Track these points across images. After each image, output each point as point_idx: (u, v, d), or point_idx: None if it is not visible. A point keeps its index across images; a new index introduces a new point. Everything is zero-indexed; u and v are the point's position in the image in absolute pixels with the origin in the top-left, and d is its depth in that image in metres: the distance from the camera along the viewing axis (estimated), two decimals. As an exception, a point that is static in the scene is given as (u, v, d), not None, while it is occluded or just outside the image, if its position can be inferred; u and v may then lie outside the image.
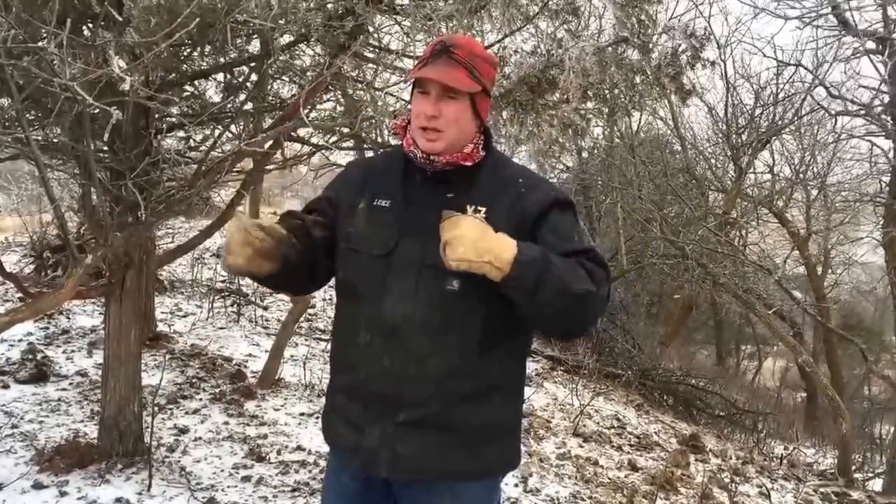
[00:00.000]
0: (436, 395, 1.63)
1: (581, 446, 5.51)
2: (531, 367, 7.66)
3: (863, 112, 6.99)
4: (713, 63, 4.23)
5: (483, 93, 1.68)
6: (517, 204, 1.65)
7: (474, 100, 1.67)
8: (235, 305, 7.50)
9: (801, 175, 11.34)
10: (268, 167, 4.39)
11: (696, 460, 5.90)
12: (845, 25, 6.30)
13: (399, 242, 1.65)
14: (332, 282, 1.82)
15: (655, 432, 6.71)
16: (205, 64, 3.61)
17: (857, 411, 12.26)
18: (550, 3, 3.54)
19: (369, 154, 3.93)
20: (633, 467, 5.26)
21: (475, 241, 1.47)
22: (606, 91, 3.86)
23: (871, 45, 6.49)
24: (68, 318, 6.00)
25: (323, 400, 2.57)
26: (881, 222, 8.02)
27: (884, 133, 7.13)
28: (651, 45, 3.84)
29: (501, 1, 3.10)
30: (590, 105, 4.04)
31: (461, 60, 1.63)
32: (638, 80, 4.14)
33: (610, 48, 3.85)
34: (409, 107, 3.46)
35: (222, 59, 3.52)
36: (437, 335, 1.62)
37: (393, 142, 3.55)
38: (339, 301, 1.79)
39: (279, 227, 1.61)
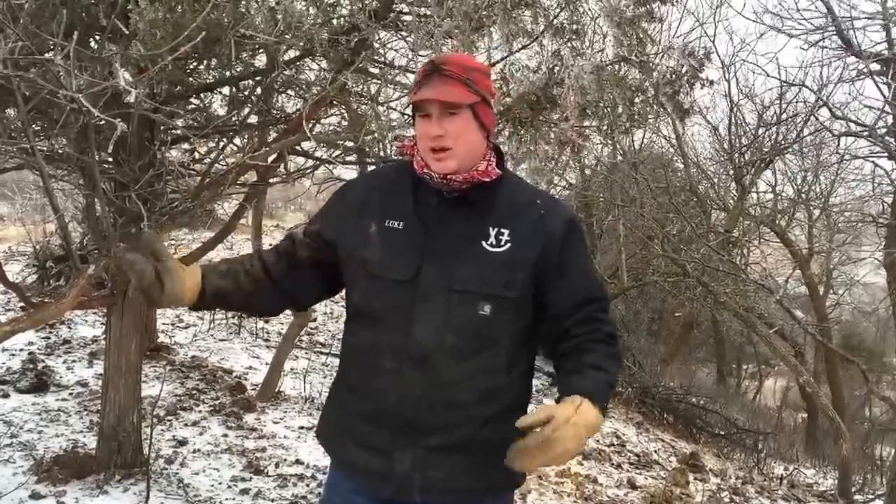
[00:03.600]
0: (466, 420, 1.63)
1: (580, 464, 5.49)
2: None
3: (866, 133, 6.99)
4: (712, 83, 4.25)
5: (483, 102, 1.66)
6: (540, 224, 1.66)
7: (476, 111, 1.65)
8: (236, 317, 7.50)
9: (804, 195, 11.35)
10: (271, 180, 4.41)
11: (696, 479, 5.87)
12: (849, 46, 6.33)
13: (422, 267, 1.62)
14: (331, 297, 1.81)
15: (655, 451, 6.69)
16: (210, 77, 3.64)
17: (858, 432, 12.19)
18: (555, 21, 3.57)
19: (370, 168, 3.94)
20: (633, 486, 5.24)
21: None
22: (607, 109, 3.88)
23: (875, 66, 6.51)
24: (69, 327, 6.01)
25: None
26: (883, 243, 8.00)
27: (886, 154, 7.13)
28: (652, 65, 3.85)
29: (501, 19, 3.12)
30: (588, 123, 4.06)
31: (454, 75, 1.62)
32: (638, 99, 4.16)
33: (610, 67, 3.87)
34: (409, 121, 3.48)
35: (228, 73, 3.55)
36: (468, 360, 1.62)
37: (395, 156, 3.57)
38: (353, 326, 1.74)
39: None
